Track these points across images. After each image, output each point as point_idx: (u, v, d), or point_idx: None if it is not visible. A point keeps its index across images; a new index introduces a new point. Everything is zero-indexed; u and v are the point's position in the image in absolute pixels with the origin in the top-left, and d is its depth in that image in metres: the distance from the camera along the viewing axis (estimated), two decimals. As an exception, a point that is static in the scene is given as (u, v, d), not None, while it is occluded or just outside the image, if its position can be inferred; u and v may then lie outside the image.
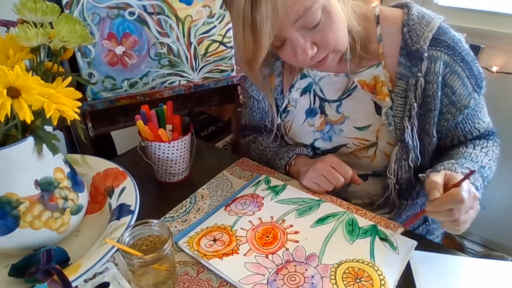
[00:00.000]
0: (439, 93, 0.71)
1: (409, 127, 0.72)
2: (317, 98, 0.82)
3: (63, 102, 0.53)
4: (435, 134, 0.75)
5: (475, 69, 0.73)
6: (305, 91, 0.84)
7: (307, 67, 0.80)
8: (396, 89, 0.73)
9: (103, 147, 1.20)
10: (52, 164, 0.60)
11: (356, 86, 0.77)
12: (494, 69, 1.33)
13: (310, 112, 0.83)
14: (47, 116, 0.51)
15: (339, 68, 0.77)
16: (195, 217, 0.73)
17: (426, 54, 0.69)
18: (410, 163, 0.74)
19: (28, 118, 0.50)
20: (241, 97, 1.21)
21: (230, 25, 1.09)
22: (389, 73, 0.74)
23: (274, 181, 0.81)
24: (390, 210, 0.81)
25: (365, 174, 0.83)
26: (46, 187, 0.58)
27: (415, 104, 0.71)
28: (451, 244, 1.51)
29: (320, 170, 0.76)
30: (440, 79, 0.70)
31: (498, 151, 0.78)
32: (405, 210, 0.80)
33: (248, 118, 0.98)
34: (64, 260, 0.58)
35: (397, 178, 0.77)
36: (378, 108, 0.76)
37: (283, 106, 0.87)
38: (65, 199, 0.60)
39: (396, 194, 0.78)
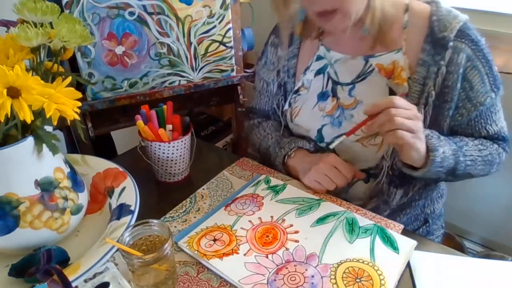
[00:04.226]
0: (458, 85, 0.72)
1: (423, 115, 0.72)
2: (330, 81, 0.82)
3: (63, 102, 0.53)
4: (445, 130, 0.75)
5: (494, 69, 0.74)
6: (319, 72, 0.84)
7: (315, 17, 0.74)
8: (415, 75, 0.73)
9: (103, 147, 1.21)
10: (52, 164, 0.60)
11: (373, 69, 0.77)
12: (494, 69, 1.33)
13: (322, 96, 0.83)
14: (47, 116, 0.51)
15: (357, 50, 0.77)
16: (195, 217, 0.73)
17: (451, 43, 0.70)
18: None
19: (28, 118, 0.50)
20: (241, 97, 1.21)
21: (230, 25, 1.09)
22: (408, 60, 0.74)
23: (274, 181, 0.81)
24: (378, 197, 0.81)
25: (367, 171, 0.82)
26: (46, 187, 0.58)
27: (433, 92, 0.72)
28: (451, 244, 1.51)
29: (323, 170, 0.76)
30: (461, 70, 0.71)
31: (498, 158, 0.78)
32: (393, 200, 0.80)
33: (256, 100, 1.00)
34: (64, 260, 0.58)
35: (392, 164, 0.77)
36: (392, 94, 0.76)
37: (296, 88, 0.87)
38: (65, 199, 0.60)
39: (387, 180, 0.78)
